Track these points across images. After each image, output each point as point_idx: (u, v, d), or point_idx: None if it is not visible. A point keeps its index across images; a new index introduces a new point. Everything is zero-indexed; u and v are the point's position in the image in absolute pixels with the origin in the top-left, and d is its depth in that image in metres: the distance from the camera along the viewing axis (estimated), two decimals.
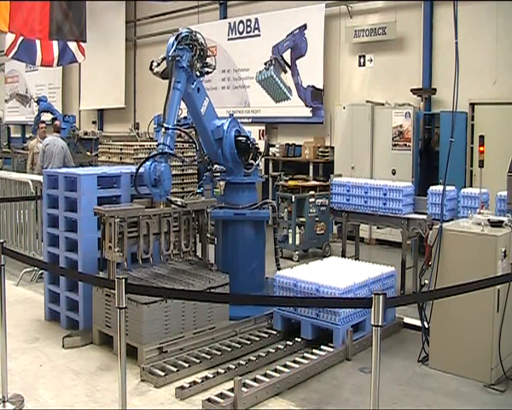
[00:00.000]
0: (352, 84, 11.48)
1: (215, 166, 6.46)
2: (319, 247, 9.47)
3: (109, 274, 5.16)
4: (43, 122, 11.80)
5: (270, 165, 12.43)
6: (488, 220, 4.93)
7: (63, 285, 5.86)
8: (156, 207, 5.52)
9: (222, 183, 6.71)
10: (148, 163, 5.46)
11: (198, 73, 6.06)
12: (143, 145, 7.44)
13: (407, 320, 5.94)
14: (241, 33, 13.22)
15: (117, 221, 5.09)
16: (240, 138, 6.51)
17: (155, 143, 6.01)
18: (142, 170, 5.51)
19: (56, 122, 10.92)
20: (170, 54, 5.78)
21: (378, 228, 8.85)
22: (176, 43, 5.79)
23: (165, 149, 5.50)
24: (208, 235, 5.97)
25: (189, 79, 5.96)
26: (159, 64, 6.01)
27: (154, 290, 4.63)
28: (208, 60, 6.19)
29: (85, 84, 17.95)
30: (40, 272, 7.28)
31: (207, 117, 6.34)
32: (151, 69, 6.04)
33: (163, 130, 5.58)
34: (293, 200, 9.09)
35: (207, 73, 6.27)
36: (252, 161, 6.63)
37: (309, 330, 5.35)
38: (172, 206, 5.59)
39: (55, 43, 13.90)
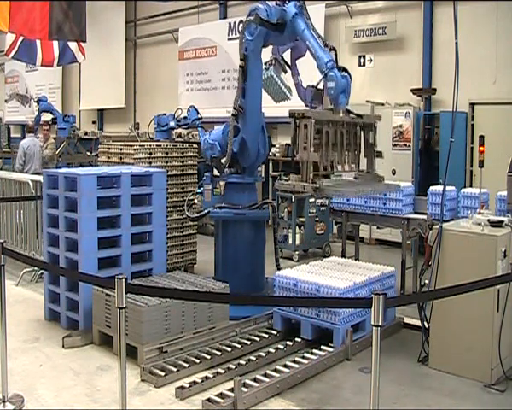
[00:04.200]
0: (351, 85, 11.43)
1: (226, 169, 6.48)
2: (319, 247, 9.47)
3: (304, 177, 5.28)
4: (47, 123, 11.81)
5: (270, 165, 12.41)
6: (488, 220, 4.93)
7: (63, 285, 5.86)
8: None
9: (222, 183, 6.72)
10: (335, 73, 5.85)
11: None
12: (143, 145, 7.42)
13: (407, 320, 5.94)
14: None
15: (313, 122, 5.37)
16: None
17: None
18: (331, 83, 5.89)
19: (29, 123, 11.04)
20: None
21: (378, 228, 8.85)
22: None
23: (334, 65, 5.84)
24: (375, 149, 6.16)
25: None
26: None
27: (154, 290, 4.63)
28: None
29: (85, 84, 17.95)
30: (40, 272, 7.28)
31: None
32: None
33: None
34: (293, 200, 9.08)
35: None
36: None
37: (309, 330, 5.35)
38: (351, 115, 5.77)
39: (55, 43, 13.88)
